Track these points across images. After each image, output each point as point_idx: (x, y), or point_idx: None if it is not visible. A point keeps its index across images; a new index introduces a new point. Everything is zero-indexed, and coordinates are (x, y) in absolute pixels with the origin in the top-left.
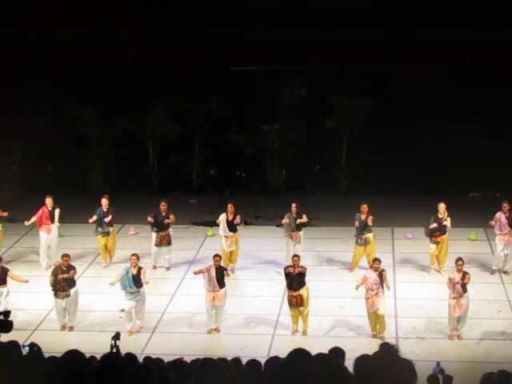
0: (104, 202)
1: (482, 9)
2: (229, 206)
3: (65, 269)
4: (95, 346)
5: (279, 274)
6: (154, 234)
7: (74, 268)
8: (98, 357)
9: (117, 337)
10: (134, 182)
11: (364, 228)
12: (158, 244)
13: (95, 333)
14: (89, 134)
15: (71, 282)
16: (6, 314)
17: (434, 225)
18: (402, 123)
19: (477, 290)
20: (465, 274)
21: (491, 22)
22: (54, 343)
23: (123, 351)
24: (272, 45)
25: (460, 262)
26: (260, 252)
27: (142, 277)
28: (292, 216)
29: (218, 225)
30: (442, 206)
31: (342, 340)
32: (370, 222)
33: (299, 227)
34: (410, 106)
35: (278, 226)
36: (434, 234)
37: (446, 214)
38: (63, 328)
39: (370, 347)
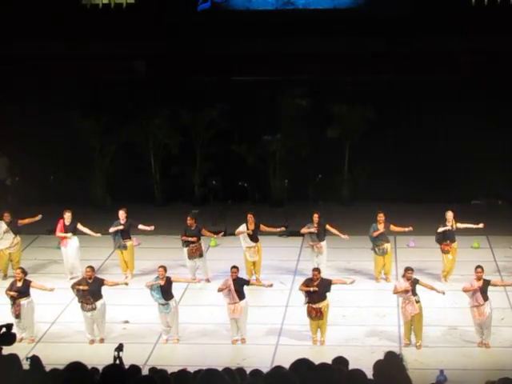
0: (121, 214)
1: (483, 17)
2: (248, 216)
3: (90, 281)
4: (98, 357)
5: (283, 284)
6: (184, 249)
7: (101, 281)
8: (101, 368)
9: (120, 348)
10: (135, 192)
11: (381, 238)
12: (190, 257)
13: (99, 344)
14: (91, 145)
15: (97, 295)
16: (9, 326)
17: (446, 228)
18: (404, 132)
19: None
20: (485, 281)
21: (492, 30)
22: (58, 355)
23: (127, 363)
24: (273, 54)
25: (479, 270)
26: (263, 262)
27: (174, 279)
28: (313, 226)
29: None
30: (449, 215)
31: (346, 349)
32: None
33: (321, 238)
34: (412, 114)
35: (280, 235)
36: (444, 243)
37: (454, 221)
38: (92, 342)
39: (374, 356)
